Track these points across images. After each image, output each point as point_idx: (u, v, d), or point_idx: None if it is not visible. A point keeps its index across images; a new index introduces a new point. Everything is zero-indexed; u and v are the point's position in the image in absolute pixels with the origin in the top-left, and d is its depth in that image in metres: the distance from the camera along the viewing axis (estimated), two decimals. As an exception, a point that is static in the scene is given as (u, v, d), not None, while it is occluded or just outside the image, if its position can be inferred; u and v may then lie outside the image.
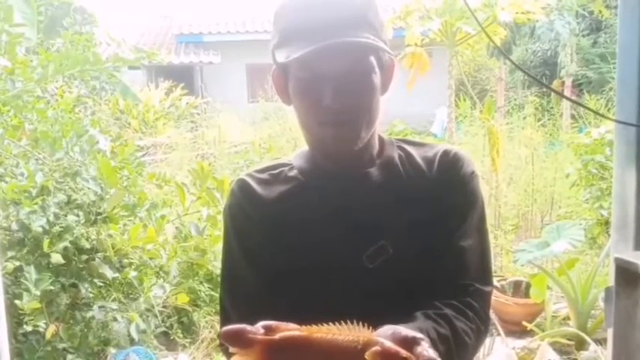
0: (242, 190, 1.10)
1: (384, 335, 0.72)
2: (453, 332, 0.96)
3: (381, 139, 1.12)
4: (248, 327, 0.70)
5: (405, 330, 0.74)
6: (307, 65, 0.97)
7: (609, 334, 1.51)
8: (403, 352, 0.67)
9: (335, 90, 0.97)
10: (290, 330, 0.71)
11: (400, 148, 1.12)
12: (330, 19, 0.96)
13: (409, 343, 0.71)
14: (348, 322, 0.70)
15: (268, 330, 0.71)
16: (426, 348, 0.70)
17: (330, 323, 0.73)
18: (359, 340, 0.68)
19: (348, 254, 1.02)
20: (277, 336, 0.70)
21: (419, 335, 0.73)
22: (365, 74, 0.99)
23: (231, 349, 0.70)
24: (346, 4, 0.98)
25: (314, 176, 1.09)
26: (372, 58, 1.00)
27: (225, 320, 1.11)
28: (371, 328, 0.72)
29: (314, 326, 0.71)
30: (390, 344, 0.68)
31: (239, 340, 0.69)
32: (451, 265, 1.04)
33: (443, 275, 1.02)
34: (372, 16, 1.00)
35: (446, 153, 1.09)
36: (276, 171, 1.11)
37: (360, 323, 0.71)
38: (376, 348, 0.67)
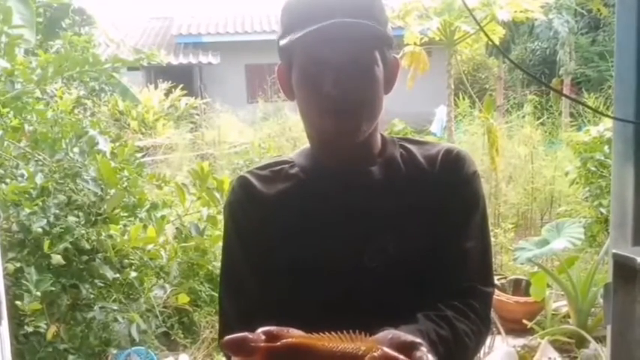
0: (243, 187, 1.10)
1: (384, 339, 0.72)
2: (454, 334, 0.96)
3: (382, 138, 1.11)
4: (249, 335, 0.70)
5: (404, 335, 0.75)
6: (309, 50, 0.98)
7: (608, 330, 1.51)
8: (401, 358, 0.68)
9: (336, 77, 0.97)
10: (291, 336, 0.71)
11: (402, 146, 1.12)
12: (336, 12, 0.96)
13: (408, 348, 0.71)
14: (350, 331, 0.70)
15: (269, 336, 0.71)
16: (425, 353, 0.71)
17: (331, 324, 0.73)
18: (360, 348, 0.68)
19: (349, 253, 1.02)
20: (279, 343, 0.70)
21: (417, 340, 0.73)
22: (367, 65, 0.99)
23: (233, 358, 0.70)
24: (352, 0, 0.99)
25: (315, 174, 1.09)
26: (376, 52, 1.00)
27: (223, 318, 1.11)
28: (369, 334, 0.72)
29: (315, 334, 0.71)
30: (389, 351, 0.68)
31: (241, 349, 0.69)
32: (453, 266, 1.03)
33: (444, 276, 1.02)
34: (378, 11, 1.00)
35: (448, 152, 1.09)
36: (277, 168, 1.11)
37: (363, 332, 0.71)
38: (375, 352, 0.67)
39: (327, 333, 0.70)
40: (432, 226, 1.03)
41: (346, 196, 1.05)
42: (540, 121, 6.93)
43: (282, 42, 1.00)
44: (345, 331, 0.70)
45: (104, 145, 3.14)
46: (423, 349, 0.71)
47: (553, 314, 3.82)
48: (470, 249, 1.04)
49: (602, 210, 4.52)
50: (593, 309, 3.71)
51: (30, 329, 2.74)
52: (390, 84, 1.05)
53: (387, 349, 0.68)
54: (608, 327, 1.50)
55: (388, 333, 0.75)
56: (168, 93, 10.63)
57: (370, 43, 1.00)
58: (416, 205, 1.04)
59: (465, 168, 1.08)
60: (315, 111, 1.02)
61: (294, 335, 0.71)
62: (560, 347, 3.55)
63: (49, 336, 2.81)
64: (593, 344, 3.36)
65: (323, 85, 0.98)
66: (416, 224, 1.03)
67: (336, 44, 0.96)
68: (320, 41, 0.96)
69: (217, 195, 3.36)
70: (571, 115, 8.77)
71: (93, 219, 3.04)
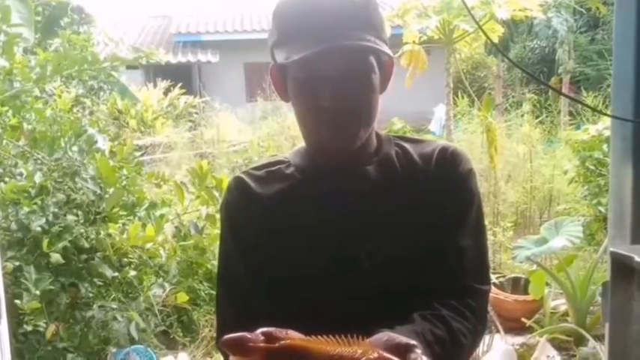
0: (239, 188, 1.09)
1: (379, 342, 0.73)
2: (450, 333, 0.96)
3: (378, 137, 1.11)
4: (248, 335, 0.71)
5: (398, 337, 0.75)
6: (306, 66, 0.96)
7: (606, 328, 1.52)
8: None
9: (334, 91, 0.96)
10: (290, 338, 0.72)
11: (397, 145, 1.11)
12: (331, 19, 0.95)
13: (403, 350, 0.72)
14: (348, 335, 0.71)
15: (268, 337, 0.71)
16: (419, 355, 0.72)
17: (327, 323, 0.74)
18: (357, 351, 0.69)
19: (345, 252, 1.02)
20: (277, 344, 0.71)
21: (412, 342, 0.74)
22: (364, 75, 0.99)
23: (231, 358, 0.71)
24: (346, 2, 0.97)
25: (311, 173, 1.09)
26: (372, 59, 0.99)
27: (220, 317, 1.11)
28: (365, 335, 0.73)
29: (313, 337, 0.72)
30: (385, 353, 0.69)
31: (239, 349, 0.70)
32: (449, 264, 1.03)
33: (441, 274, 1.02)
34: (373, 15, 0.99)
35: (444, 150, 1.09)
36: (273, 168, 1.11)
37: (359, 334, 0.72)
38: (371, 355, 0.68)
39: (324, 334, 0.71)
40: (428, 225, 1.02)
41: (342, 196, 1.05)
42: (539, 119, 6.94)
43: (279, 56, 0.99)
44: (342, 332, 0.71)
45: (103, 143, 3.14)
46: (418, 351, 0.72)
47: (552, 312, 3.82)
48: (466, 247, 1.05)
49: (601, 208, 4.52)
50: (591, 307, 3.71)
51: (29, 328, 2.74)
52: (384, 84, 1.04)
53: (382, 352, 0.69)
54: (607, 325, 1.50)
55: (383, 335, 0.76)
56: (167, 92, 10.63)
57: (367, 53, 0.99)
58: (412, 204, 1.04)
59: (461, 166, 1.07)
60: (312, 121, 1.02)
61: (293, 337, 0.72)
62: (558, 345, 3.55)
63: (48, 335, 2.81)
64: (591, 342, 3.36)
65: (320, 99, 0.97)
66: (412, 223, 1.03)
67: (332, 60, 0.96)
68: (317, 59, 0.95)
69: (216, 194, 3.36)
70: (570, 113, 8.78)
71: (92, 218, 3.04)
